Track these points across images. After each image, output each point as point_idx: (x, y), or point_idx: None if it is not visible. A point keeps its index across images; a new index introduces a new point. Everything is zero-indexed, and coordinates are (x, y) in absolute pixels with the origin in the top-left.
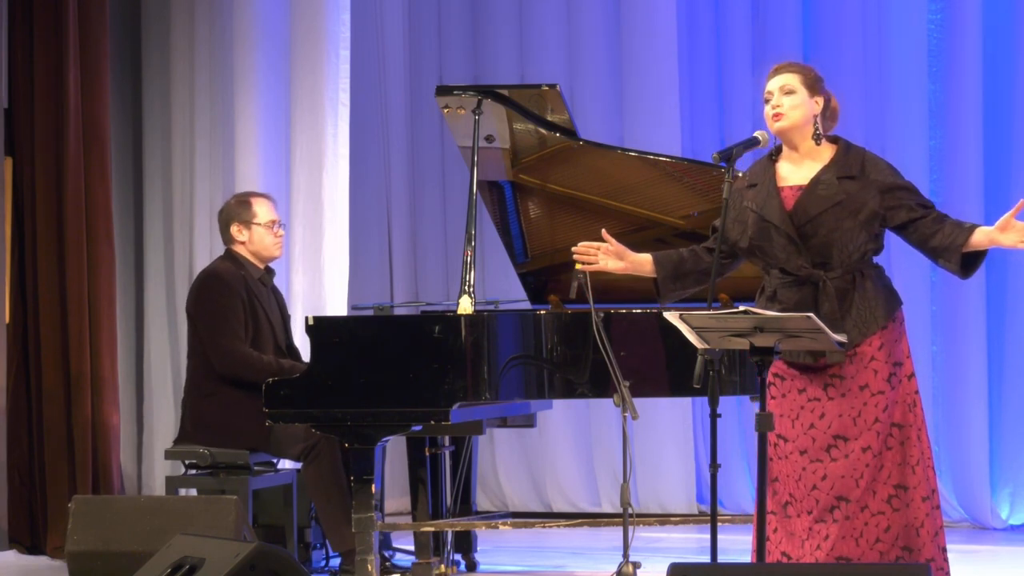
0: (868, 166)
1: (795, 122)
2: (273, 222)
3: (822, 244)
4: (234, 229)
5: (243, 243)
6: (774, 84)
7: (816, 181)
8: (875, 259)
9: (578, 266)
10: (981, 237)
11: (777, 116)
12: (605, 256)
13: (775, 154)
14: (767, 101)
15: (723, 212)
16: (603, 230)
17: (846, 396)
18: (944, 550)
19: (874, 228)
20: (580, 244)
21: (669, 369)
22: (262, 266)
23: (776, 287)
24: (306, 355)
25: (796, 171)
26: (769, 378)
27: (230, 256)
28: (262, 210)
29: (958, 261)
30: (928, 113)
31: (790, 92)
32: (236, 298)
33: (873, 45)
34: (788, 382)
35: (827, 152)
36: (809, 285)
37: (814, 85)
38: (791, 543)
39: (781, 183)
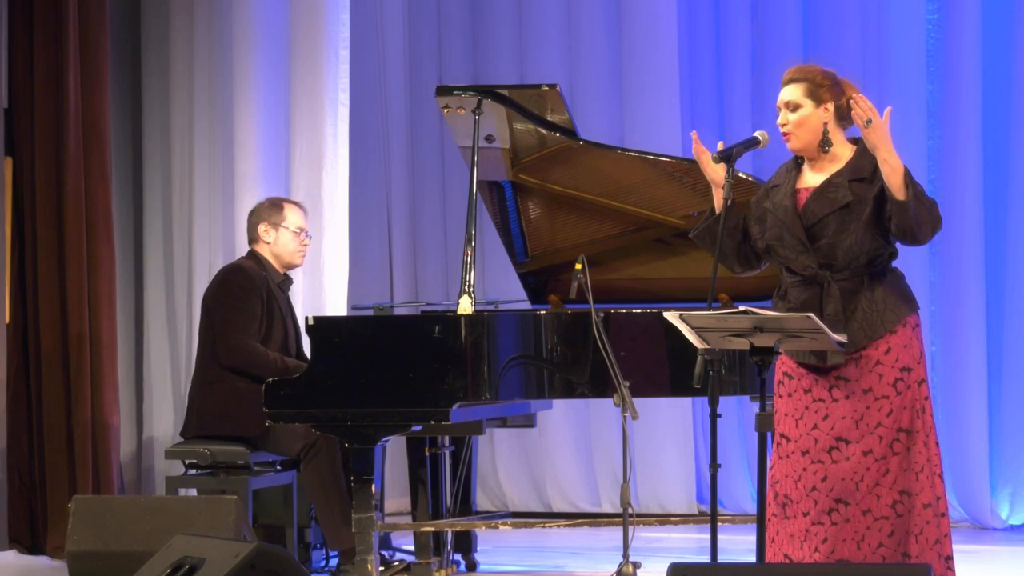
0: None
1: (804, 140)
2: (301, 229)
3: (829, 246)
4: (261, 228)
5: (268, 244)
6: (781, 98)
7: (827, 184)
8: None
9: (577, 266)
10: (881, 168)
11: (786, 136)
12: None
13: (800, 157)
14: (778, 114)
15: (722, 212)
16: (693, 131)
17: (850, 399)
18: (948, 559)
19: (879, 229)
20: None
21: (669, 369)
22: (282, 272)
23: (788, 286)
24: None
25: (815, 174)
26: (778, 376)
27: (253, 256)
28: (292, 215)
29: (897, 203)
30: (927, 113)
31: (796, 108)
32: (256, 295)
33: (872, 45)
34: (795, 381)
35: (846, 153)
36: (815, 286)
37: (819, 92)
38: (791, 544)
39: (799, 184)
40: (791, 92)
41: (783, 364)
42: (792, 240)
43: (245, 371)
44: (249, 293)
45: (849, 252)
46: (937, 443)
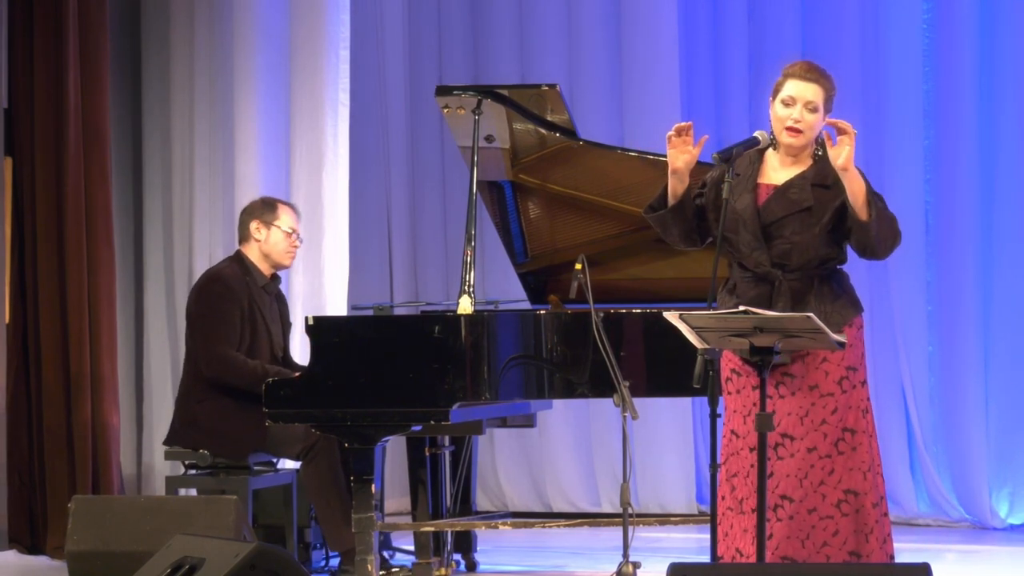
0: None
1: (807, 140)
2: (293, 230)
3: (784, 246)
4: (253, 226)
5: (258, 242)
6: (800, 92)
7: (789, 184)
8: (842, 266)
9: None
10: (846, 186)
11: (794, 132)
12: (684, 151)
13: (768, 149)
14: (785, 104)
15: (722, 213)
16: (705, 137)
17: (795, 395)
18: (892, 557)
19: (835, 236)
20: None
21: (669, 369)
22: (269, 273)
23: (737, 281)
24: (306, 355)
25: (779, 171)
26: (726, 373)
27: (238, 258)
28: (285, 215)
29: (860, 223)
30: (923, 113)
31: (815, 110)
32: (235, 304)
33: (869, 45)
34: (743, 378)
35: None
36: (766, 283)
37: (830, 103)
38: (744, 539)
39: (761, 179)
40: (815, 93)
41: (730, 361)
42: (748, 236)
43: (226, 381)
44: (227, 301)
45: (804, 255)
46: (878, 444)
